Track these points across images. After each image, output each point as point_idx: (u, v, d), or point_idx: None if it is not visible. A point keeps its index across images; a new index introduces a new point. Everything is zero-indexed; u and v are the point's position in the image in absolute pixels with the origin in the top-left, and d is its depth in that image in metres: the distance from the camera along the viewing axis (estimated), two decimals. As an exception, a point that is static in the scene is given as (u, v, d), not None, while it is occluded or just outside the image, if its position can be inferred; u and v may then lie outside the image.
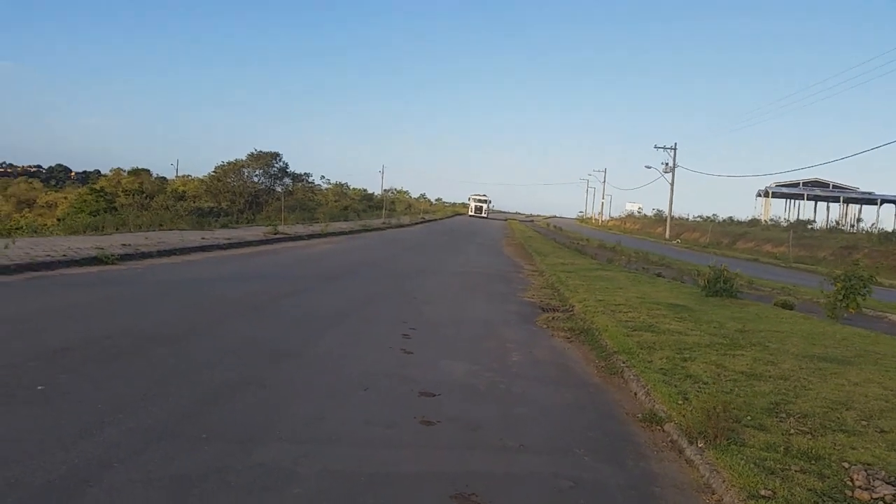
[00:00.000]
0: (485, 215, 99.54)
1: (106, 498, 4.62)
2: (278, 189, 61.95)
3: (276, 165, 61.86)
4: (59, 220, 44.53)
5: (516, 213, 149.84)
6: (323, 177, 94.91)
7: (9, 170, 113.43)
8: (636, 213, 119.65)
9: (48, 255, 14.79)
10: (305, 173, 65.68)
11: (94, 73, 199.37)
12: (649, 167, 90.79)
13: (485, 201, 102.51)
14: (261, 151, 60.72)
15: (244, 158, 60.54)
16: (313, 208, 53.82)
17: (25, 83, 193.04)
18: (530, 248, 38.91)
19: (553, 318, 14.52)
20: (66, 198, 66.42)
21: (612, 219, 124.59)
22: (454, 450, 6.26)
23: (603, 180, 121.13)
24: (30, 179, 77.59)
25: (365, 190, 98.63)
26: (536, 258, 30.99)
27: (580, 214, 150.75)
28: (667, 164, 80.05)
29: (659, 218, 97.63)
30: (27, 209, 49.92)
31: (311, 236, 30.95)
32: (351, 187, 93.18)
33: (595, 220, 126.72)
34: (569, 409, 8.04)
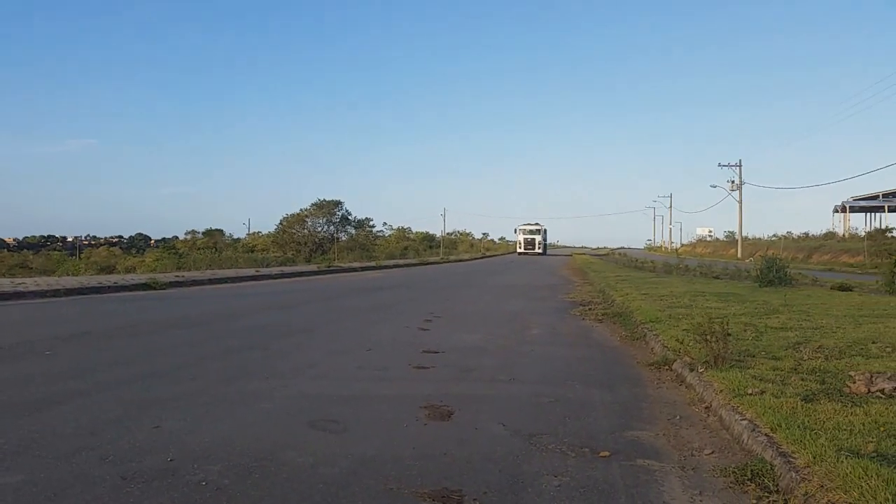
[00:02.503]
0: (539, 250, 72.61)
1: (74, 408, 4.87)
2: (342, 237, 63.49)
3: (338, 213, 63.62)
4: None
5: (582, 248, 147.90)
6: (385, 223, 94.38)
7: (92, 241, 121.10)
8: (707, 237, 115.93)
9: (99, 283, 15.64)
10: (367, 219, 67.26)
11: (168, 144, 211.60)
12: (715, 186, 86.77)
13: (538, 231, 74.09)
14: (323, 200, 62.70)
15: (308, 208, 62.59)
16: (371, 248, 54.83)
17: (104, 159, 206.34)
18: (588, 268, 38.26)
19: (589, 309, 14.22)
20: (143, 261, 69.33)
21: (682, 245, 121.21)
22: (440, 382, 6.21)
23: (669, 205, 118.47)
24: (111, 248, 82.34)
25: (427, 232, 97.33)
26: (591, 274, 30.43)
27: (648, 243, 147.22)
28: (733, 181, 77.92)
29: (731, 240, 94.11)
30: (105, 274, 52.80)
31: (364, 268, 31.49)
32: (413, 230, 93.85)
33: (664, 247, 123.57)
34: (575, 360, 7.83)
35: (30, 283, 15.52)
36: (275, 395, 5.49)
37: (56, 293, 13.66)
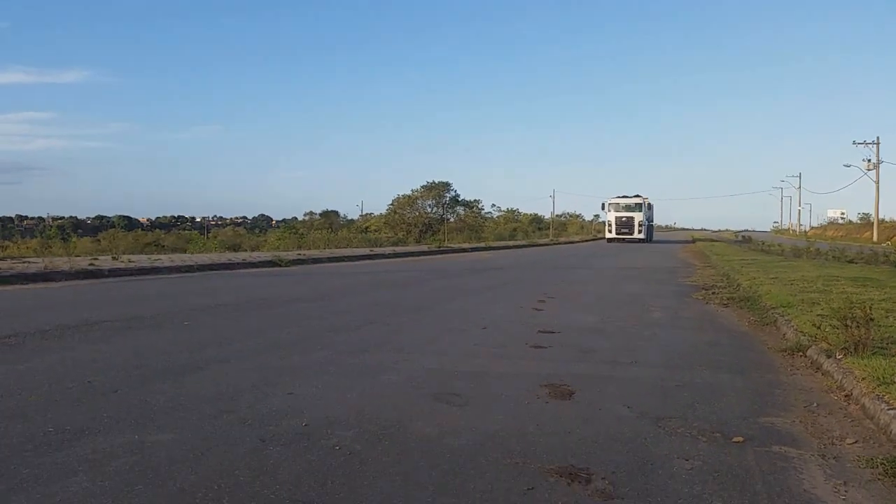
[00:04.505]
0: (641, 235, 50.18)
1: (214, 374, 5.23)
2: (451, 218, 64.03)
3: (447, 195, 64.14)
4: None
5: (701, 230, 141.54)
6: (494, 204, 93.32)
7: (218, 222, 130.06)
8: (839, 220, 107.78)
9: (228, 260, 16.66)
10: (475, 200, 67.36)
11: (287, 130, 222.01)
12: (849, 166, 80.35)
13: (637, 207, 50.98)
14: (433, 182, 63.35)
15: (418, 190, 63.50)
16: (480, 229, 54.97)
17: (229, 144, 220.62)
18: (709, 251, 36.55)
19: (713, 293, 13.58)
20: (266, 241, 72.97)
21: (812, 228, 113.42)
22: (558, 362, 6.16)
23: (798, 186, 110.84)
24: (236, 228, 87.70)
25: (536, 214, 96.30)
26: (713, 258, 29.05)
27: (775, 226, 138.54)
28: (869, 160, 71.89)
29: (866, 222, 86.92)
30: (232, 252, 56.87)
31: (473, 249, 31.70)
32: (522, 212, 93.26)
33: (792, 230, 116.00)
34: (701, 344, 7.51)
35: (165, 259, 16.77)
36: (398, 367, 5.66)
37: (190, 269, 14.68)
